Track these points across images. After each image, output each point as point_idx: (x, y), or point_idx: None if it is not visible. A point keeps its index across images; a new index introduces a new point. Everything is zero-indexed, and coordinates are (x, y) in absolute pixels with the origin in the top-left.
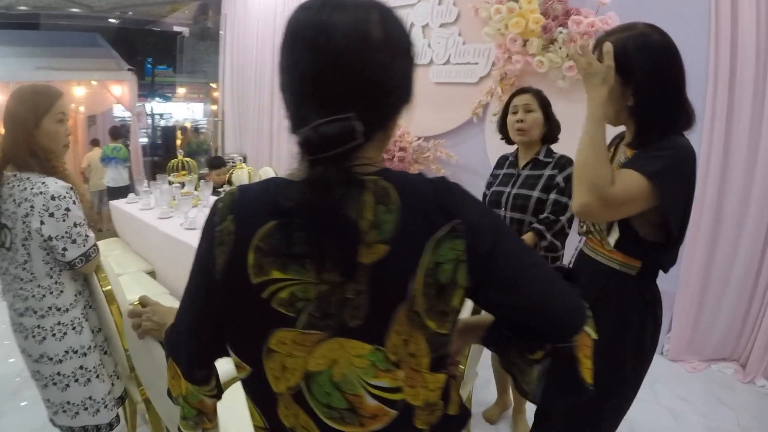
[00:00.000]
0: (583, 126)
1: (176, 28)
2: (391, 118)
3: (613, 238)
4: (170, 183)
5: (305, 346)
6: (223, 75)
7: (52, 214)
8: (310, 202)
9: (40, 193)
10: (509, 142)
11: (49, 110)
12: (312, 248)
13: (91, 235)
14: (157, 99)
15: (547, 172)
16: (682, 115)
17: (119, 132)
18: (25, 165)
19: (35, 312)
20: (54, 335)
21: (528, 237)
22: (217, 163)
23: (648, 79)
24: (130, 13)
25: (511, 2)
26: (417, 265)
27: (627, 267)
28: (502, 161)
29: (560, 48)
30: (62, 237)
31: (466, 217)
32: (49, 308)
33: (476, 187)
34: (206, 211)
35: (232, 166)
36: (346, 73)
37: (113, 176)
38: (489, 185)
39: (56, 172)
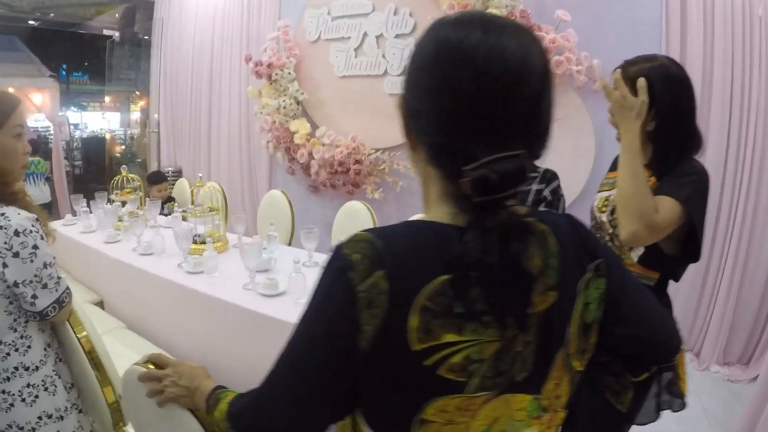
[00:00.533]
0: (620, 159)
1: (106, 32)
2: (540, 157)
3: (636, 254)
4: (110, 201)
5: (470, 411)
6: (158, 83)
7: (17, 254)
8: (493, 251)
9: (0, 228)
10: None
11: (5, 122)
12: (494, 303)
13: (63, 276)
14: (73, 108)
15: (534, 186)
16: (694, 139)
17: (36, 145)
18: None
19: None
20: (24, 400)
21: None
22: (157, 177)
23: (667, 107)
24: (52, 14)
25: None
26: (573, 308)
27: (646, 279)
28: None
29: None
30: (31, 282)
31: (605, 256)
32: (15, 369)
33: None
34: (163, 233)
35: (173, 181)
36: (520, 104)
37: (33, 193)
38: None
39: (16, 199)
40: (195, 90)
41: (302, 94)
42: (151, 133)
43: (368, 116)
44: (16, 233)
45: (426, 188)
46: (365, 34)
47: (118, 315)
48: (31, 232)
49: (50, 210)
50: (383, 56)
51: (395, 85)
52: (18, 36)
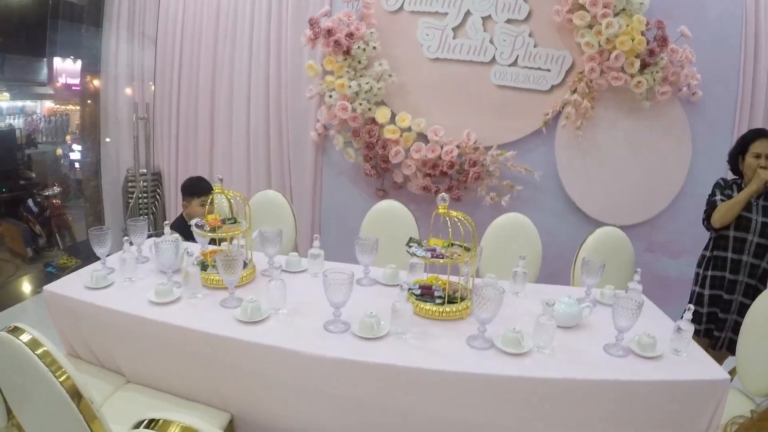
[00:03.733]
0: None
1: None
2: None
3: None
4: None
5: None
6: (114, 57)
7: None
8: None
9: None
10: (737, 173)
11: None
12: None
13: None
14: None
15: None
16: None
17: None
18: None
19: None
20: None
21: None
22: (199, 187)
23: None
24: None
25: (619, 17)
26: None
27: None
28: (724, 183)
29: (658, 72)
30: None
31: None
32: None
33: (539, 205)
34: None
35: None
36: None
37: None
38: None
39: None
40: (187, 65)
41: (390, 76)
42: (139, 121)
43: (467, 108)
44: None
45: None
46: (468, 13)
47: None
48: None
49: None
50: (491, 41)
51: (504, 76)
52: None
